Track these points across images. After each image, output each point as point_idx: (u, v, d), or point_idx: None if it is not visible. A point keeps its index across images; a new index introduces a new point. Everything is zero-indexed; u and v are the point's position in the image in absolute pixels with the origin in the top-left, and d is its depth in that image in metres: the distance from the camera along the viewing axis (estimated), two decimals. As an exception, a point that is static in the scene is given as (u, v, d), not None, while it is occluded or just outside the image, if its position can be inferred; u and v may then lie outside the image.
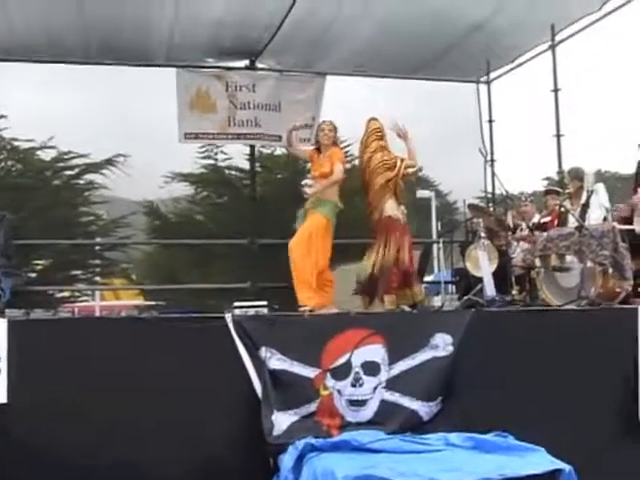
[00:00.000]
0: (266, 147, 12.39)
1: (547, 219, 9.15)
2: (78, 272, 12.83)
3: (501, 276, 8.03)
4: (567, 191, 8.79)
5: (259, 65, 10.86)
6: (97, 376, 5.68)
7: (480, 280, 8.05)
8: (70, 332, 5.86)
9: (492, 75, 11.49)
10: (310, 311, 6.97)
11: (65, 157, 12.44)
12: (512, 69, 11.39)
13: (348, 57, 10.59)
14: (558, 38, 10.23)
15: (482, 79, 11.60)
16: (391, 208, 7.84)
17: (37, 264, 12.23)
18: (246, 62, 10.75)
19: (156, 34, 9.72)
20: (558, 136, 10.21)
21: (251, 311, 6.95)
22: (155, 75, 10.82)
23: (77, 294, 13.47)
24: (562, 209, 8.59)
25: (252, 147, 11.24)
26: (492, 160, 11.13)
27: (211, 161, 12.87)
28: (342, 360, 6.05)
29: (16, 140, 11.96)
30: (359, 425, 5.95)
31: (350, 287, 8.12)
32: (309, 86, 10.93)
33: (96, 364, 5.69)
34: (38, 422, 5.49)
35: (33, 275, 11.65)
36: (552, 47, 10.28)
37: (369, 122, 8.24)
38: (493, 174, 10.34)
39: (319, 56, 10.61)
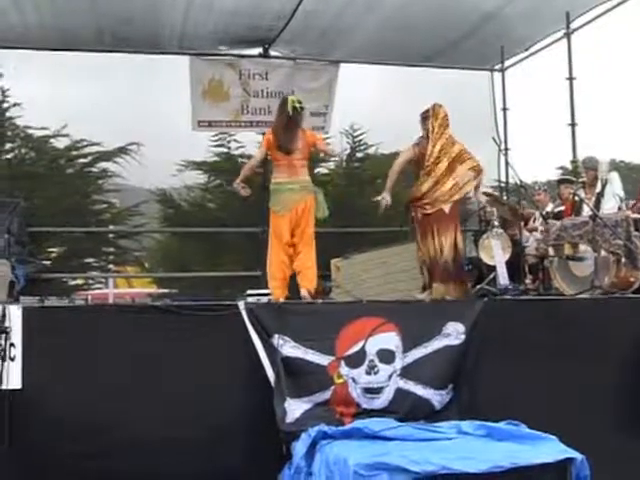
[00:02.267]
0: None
1: (561, 208, 9.14)
2: (91, 260, 12.90)
3: (514, 265, 8.03)
4: (581, 180, 8.77)
5: (272, 53, 10.85)
6: (111, 363, 5.70)
7: (493, 269, 8.04)
8: (84, 319, 5.88)
9: (506, 63, 11.46)
10: (323, 299, 6.98)
11: (78, 145, 12.49)
12: (527, 57, 11.35)
13: (361, 45, 10.57)
14: (573, 26, 10.19)
15: (496, 67, 11.57)
16: (448, 205, 7.78)
17: (51, 252, 12.30)
18: (259, 50, 10.76)
19: (169, 22, 9.74)
20: (573, 125, 10.18)
21: (264, 299, 6.99)
22: (168, 63, 10.85)
23: (91, 282, 13.55)
24: (576, 198, 8.57)
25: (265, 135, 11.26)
26: (506, 149, 11.11)
27: (224, 149, 12.91)
28: (356, 348, 6.05)
29: (30, 128, 12.01)
30: (372, 413, 5.95)
31: (361, 276, 8.14)
32: (322, 74, 10.93)
33: (110, 351, 5.72)
34: (52, 408, 5.52)
35: (47, 263, 11.71)
36: (567, 35, 10.25)
37: (438, 107, 7.96)
38: (507, 163, 10.31)
39: (332, 44, 10.60)
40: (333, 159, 7.62)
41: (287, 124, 7.48)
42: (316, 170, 13.67)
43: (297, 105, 7.47)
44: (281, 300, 7.03)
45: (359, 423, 5.62)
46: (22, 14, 9.34)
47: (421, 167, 7.83)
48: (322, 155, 7.58)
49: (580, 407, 6.27)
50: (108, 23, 9.69)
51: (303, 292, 7.25)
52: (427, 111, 7.97)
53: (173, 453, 5.63)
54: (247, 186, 7.58)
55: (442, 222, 7.71)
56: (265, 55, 10.79)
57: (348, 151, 13.39)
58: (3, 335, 5.51)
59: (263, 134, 10.86)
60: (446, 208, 7.74)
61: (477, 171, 7.93)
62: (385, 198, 7.78)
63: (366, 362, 6.08)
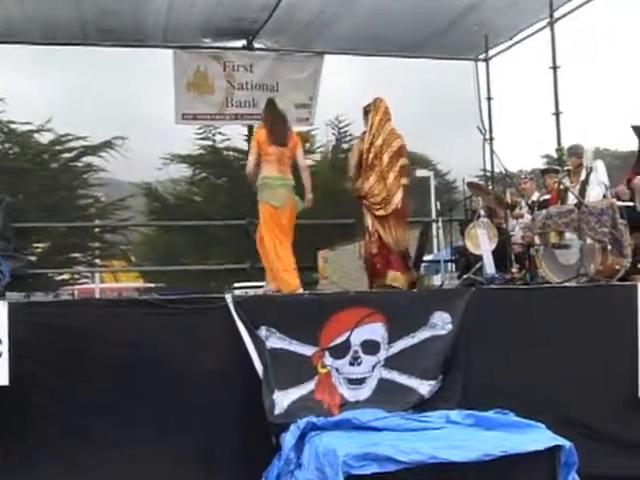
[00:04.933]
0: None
1: (547, 196, 9.15)
2: (77, 255, 12.90)
3: (501, 254, 8.04)
4: (566, 168, 8.78)
5: (256, 45, 10.81)
6: (97, 358, 5.68)
7: (480, 258, 8.06)
8: (71, 314, 5.85)
9: (490, 52, 11.45)
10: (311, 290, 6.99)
11: (63, 140, 12.48)
12: (511, 46, 11.35)
13: (345, 37, 10.54)
14: (557, 15, 10.18)
15: (480, 57, 11.56)
16: (401, 198, 7.82)
17: (36, 247, 12.27)
18: (243, 42, 10.71)
19: (152, 14, 9.67)
20: (557, 114, 10.19)
21: (251, 291, 6.98)
22: (153, 56, 10.81)
23: (77, 277, 13.53)
24: (561, 186, 8.58)
25: (250, 128, 11.22)
26: (491, 138, 11.11)
27: (209, 142, 12.89)
28: (341, 339, 6.05)
29: (13, 123, 11.98)
30: (358, 403, 5.96)
31: (347, 267, 8.15)
32: (307, 66, 10.90)
33: (97, 346, 5.69)
34: (39, 404, 5.49)
35: (33, 258, 11.68)
36: (551, 24, 10.24)
37: (379, 101, 8.05)
38: (492, 152, 10.32)
39: (316, 36, 10.56)
40: (304, 172, 7.70)
41: (281, 119, 7.76)
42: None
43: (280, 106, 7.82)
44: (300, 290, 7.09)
45: (348, 414, 5.62)
46: (3, 7, 9.26)
47: (364, 159, 7.91)
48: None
49: (568, 395, 6.28)
50: (91, 16, 9.61)
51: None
52: (369, 105, 8.04)
53: (161, 448, 5.61)
54: None
55: (394, 216, 7.82)
56: (249, 47, 10.75)
57: (334, 142, 13.40)
58: (-11, 331, 5.47)
59: (248, 126, 10.90)
60: (398, 204, 7.81)
61: (406, 170, 7.96)
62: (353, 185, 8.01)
63: (350, 353, 6.08)
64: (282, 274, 7.44)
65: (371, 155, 7.83)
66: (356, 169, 8.02)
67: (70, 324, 5.71)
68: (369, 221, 7.89)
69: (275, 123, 7.71)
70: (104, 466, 5.51)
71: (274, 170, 7.54)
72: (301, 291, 7.06)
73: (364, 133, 8.05)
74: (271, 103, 7.91)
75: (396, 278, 7.73)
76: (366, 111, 8.06)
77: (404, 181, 7.90)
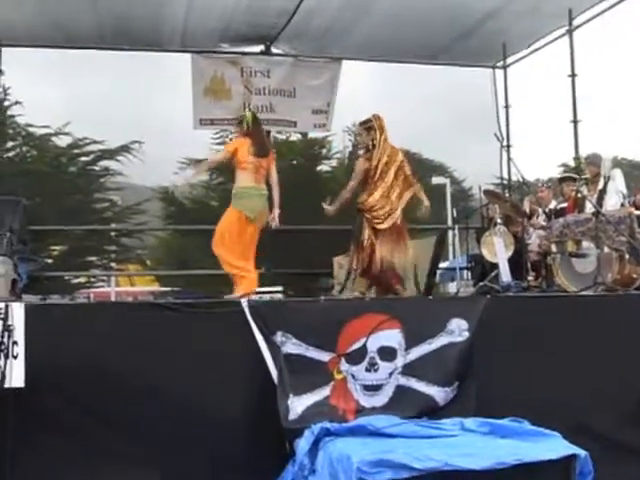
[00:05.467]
0: (281, 133, 12.40)
1: (564, 205, 9.13)
2: (93, 258, 12.91)
3: (517, 262, 8.02)
4: (584, 177, 8.76)
5: (274, 50, 10.85)
6: (113, 361, 5.70)
7: (496, 266, 8.04)
8: (87, 317, 5.88)
9: (508, 60, 11.46)
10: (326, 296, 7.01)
11: (80, 143, 12.50)
12: (529, 54, 11.34)
13: (363, 43, 10.56)
14: (575, 23, 10.18)
15: (498, 64, 11.56)
16: (400, 214, 7.90)
17: (53, 250, 12.31)
18: (261, 47, 10.75)
19: (170, 19, 9.74)
20: (575, 122, 10.18)
21: (266, 296, 6.99)
22: (170, 61, 10.85)
23: (92, 280, 13.56)
24: (579, 195, 8.56)
25: (267, 133, 11.25)
26: (508, 146, 11.10)
27: (226, 147, 12.90)
28: (357, 345, 6.04)
29: (31, 126, 12.01)
30: (374, 410, 5.95)
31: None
32: (324, 72, 10.93)
33: (112, 349, 5.71)
34: (55, 406, 5.52)
35: (49, 261, 11.72)
36: (569, 32, 10.24)
37: (380, 119, 8.08)
38: (509, 160, 10.30)
39: (334, 42, 10.59)
40: (275, 187, 7.77)
41: (263, 131, 8.12)
42: (318, 167, 13.70)
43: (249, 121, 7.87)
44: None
45: (362, 420, 5.62)
46: (22, 11, 9.34)
47: (370, 176, 7.93)
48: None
49: (583, 404, 6.25)
50: (109, 20, 9.68)
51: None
52: (369, 121, 8.08)
53: (175, 451, 5.62)
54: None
55: (390, 232, 7.84)
56: (267, 52, 10.79)
57: (350, 149, 13.39)
58: (6, 333, 5.51)
59: (267, 133, 10.92)
60: (398, 220, 7.86)
61: (409, 183, 8.00)
62: (330, 210, 8.04)
63: (366, 359, 6.08)
64: (246, 274, 7.54)
65: (379, 171, 7.89)
66: (358, 186, 8.08)
67: (86, 327, 5.74)
68: (366, 235, 7.89)
69: (259, 135, 7.88)
70: (114, 470, 5.54)
71: (251, 180, 7.62)
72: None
73: (367, 152, 8.07)
74: (255, 116, 8.08)
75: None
76: (367, 128, 8.07)
77: (407, 195, 7.97)
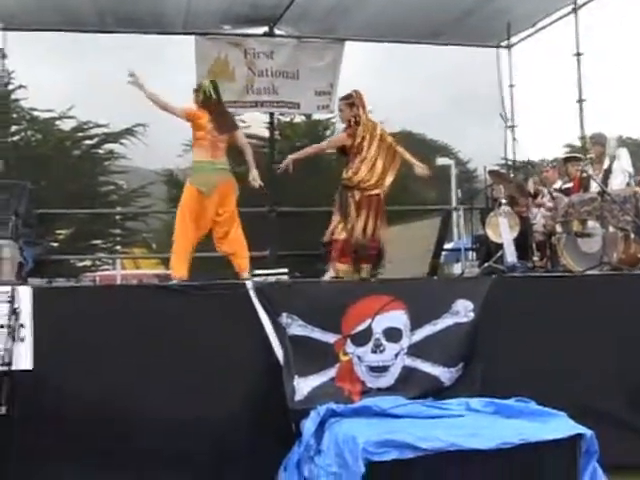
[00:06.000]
0: (284, 115, 12.38)
1: (569, 185, 9.11)
2: (99, 241, 12.97)
3: (522, 243, 8.02)
4: (589, 156, 8.74)
5: (277, 32, 10.81)
6: (119, 343, 5.72)
7: (500, 247, 8.03)
8: (93, 300, 5.90)
9: (513, 39, 11.38)
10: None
11: (84, 127, 12.52)
12: (533, 33, 11.27)
13: (366, 23, 10.51)
14: (580, 1, 10.11)
15: (503, 44, 11.50)
16: (386, 187, 7.78)
17: (58, 233, 12.35)
18: (264, 29, 10.71)
19: (173, 1, 9.69)
20: (580, 101, 10.14)
21: (271, 279, 6.99)
22: (174, 43, 10.82)
23: (98, 263, 13.61)
24: (584, 175, 8.54)
25: (271, 115, 11.23)
26: (512, 126, 11.06)
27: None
28: (363, 326, 6.06)
29: (35, 110, 12.03)
30: (380, 391, 5.97)
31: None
32: (327, 53, 10.88)
33: (118, 331, 5.73)
34: (61, 388, 5.54)
35: (55, 244, 11.76)
36: (574, 10, 10.18)
37: (361, 94, 7.85)
38: (514, 140, 10.28)
39: (337, 22, 10.54)
40: (246, 150, 7.54)
41: (223, 107, 7.60)
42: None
43: (211, 90, 7.46)
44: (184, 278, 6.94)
45: (368, 401, 5.64)
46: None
47: (353, 152, 7.75)
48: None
49: (589, 383, 6.27)
50: (110, 3, 9.63)
51: (243, 275, 7.15)
52: (350, 97, 7.84)
53: (181, 433, 5.65)
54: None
55: (376, 205, 7.68)
56: (270, 34, 10.75)
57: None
58: (13, 316, 5.54)
59: (269, 114, 10.91)
60: (382, 193, 7.71)
61: (393, 152, 7.79)
62: (288, 165, 7.77)
63: (372, 341, 6.09)
64: (172, 257, 7.31)
65: (363, 148, 7.69)
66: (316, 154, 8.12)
67: (92, 310, 5.76)
68: (352, 207, 7.76)
69: (218, 110, 7.46)
70: (118, 451, 5.56)
71: (207, 155, 7.29)
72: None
73: (348, 127, 7.81)
74: (217, 88, 7.56)
75: (343, 270, 7.60)
76: (349, 104, 7.87)
77: (397, 164, 7.78)
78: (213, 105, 7.45)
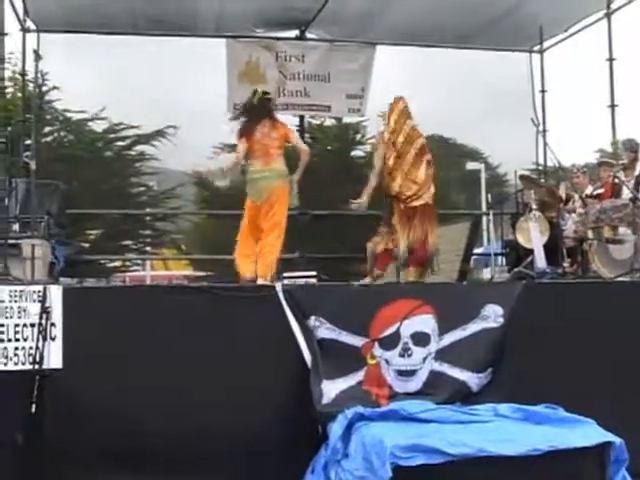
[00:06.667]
0: (315, 118, 12.38)
1: (600, 191, 9.02)
2: (129, 242, 13.05)
3: (552, 248, 7.95)
4: (621, 162, 8.66)
5: (308, 35, 10.81)
6: (148, 343, 5.76)
7: (530, 252, 7.98)
8: (123, 300, 5.94)
9: (545, 44, 11.29)
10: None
11: (116, 128, 12.62)
12: (566, 38, 11.18)
13: (397, 27, 10.48)
14: (613, 6, 10.02)
15: (535, 48, 11.42)
16: (432, 194, 7.77)
17: (89, 234, 12.44)
18: (296, 32, 10.72)
19: (204, 4, 9.73)
20: (612, 107, 10.04)
21: (300, 281, 7.00)
22: (205, 46, 10.86)
23: (128, 264, 13.69)
24: (616, 180, 8.46)
25: (301, 118, 11.24)
26: (544, 131, 10.97)
27: (260, 132, 12.92)
28: (391, 330, 6.05)
29: (68, 111, 12.13)
30: (408, 395, 5.96)
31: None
32: (358, 56, 10.87)
33: (147, 332, 5.77)
34: (91, 387, 5.58)
35: (86, 245, 11.84)
36: (607, 15, 10.08)
37: (396, 101, 7.95)
38: (545, 144, 10.20)
39: (368, 26, 10.52)
40: (304, 157, 7.64)
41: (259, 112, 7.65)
42: (353, 152, 13.67)
43: (262, 96, 7.69)
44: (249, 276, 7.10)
45: (396, 405, 5.63)
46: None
47: (387, 159, 7.79)
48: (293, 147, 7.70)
49: (619, 391, 6.21)
50: (143, 5, 9.68)
51: (260, 281, 7.13)
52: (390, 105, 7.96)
53: (207, 434, 5.66)
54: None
55: (421, 213, 7.70)
56: (301, 37, 10.75)
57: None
58: (44, 315, 5.59)
59: (300, 116, 10.91)
60: (429, 200, 7.71)
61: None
62: (361, 204, 7.85)
63: (400, 345, 6.09)
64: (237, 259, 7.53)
65: (394, 154, 7.73)
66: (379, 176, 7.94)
67: (122, 310, 5.80)
68: (396, 217, 7.79)
69: (256, 116, 7.62)
70: (145, 454, 5.59)
71: (258, 164, 7.48)
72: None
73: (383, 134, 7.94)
74: (262, 97, 7.75)
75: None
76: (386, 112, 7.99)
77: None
78: (255, 111, 7.62)
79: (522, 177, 9.17)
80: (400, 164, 7.71)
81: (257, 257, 7.32)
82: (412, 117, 7.90)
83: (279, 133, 7.56)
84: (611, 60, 10.01)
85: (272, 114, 7.68)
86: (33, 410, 5.39)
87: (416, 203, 7.66)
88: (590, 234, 7.76)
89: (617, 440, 5.06)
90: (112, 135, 12.67)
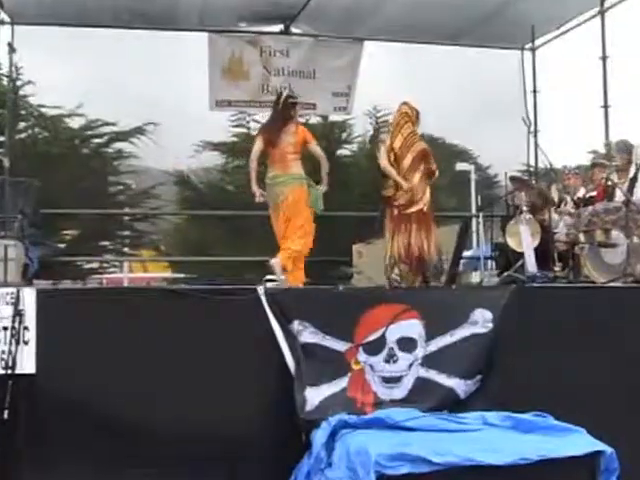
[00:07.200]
0: (301, 116, 12.35)
1: (593, 193, 9.07)
2: (106, 243, 12.98)
3: (543, 252, 7.98)
4: (614, 164, 8.70)
5: (294, 30, 10.80)
6: (124, 348, 5.74)
7: (521, 256, 8.00)
8: (99, 303, 5.92)
9: (537, 42, 11.34)
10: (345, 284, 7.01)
11: (94, 125, 12.54)
12: (558, 36, 11.23)
13: (386, 23, 10.48)
14: (607, 4, 10.07)
15: (527, 46, 11.46)
16: (428, 201, 7.77)
17: (65, 234, 12.36)
18: (280, 27, 10.71)
19: (188, -3, 9.71)
20: (606, 107, 10.08)
21: (282, 284, 6.99)
22: (187, 41, 10.82)
23: (105, 265, 13.62)
24: (609, 183, 8.51)
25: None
26: (535, 131, 11.01)
27: (243, 130, 12.90)
28: (376, 335, 6.07)
29: (44, 107, 12.06)
30: (393, 402, 5.97)
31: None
32: (345, 53, 10.87)
33: (124, 335, 5.75)
34: (65, 393, 5.56)
35: (61, 245, 11.77)
36: (601, 13, 10.12)
37: (400, 105, 7.94)
38: (536, 145, 10.24)
39: (356, 21, 10.52)
40: (324, 163, 7.82)
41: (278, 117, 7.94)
42: (338, 152, 13.67)
43: (289, 100, 7.94)
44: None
45: (381, 413, 5.64)
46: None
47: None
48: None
49: (610, 398, 6.24)
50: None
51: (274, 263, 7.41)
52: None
53: (189, 442, 5.65)
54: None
55: (422, 220, 7.67)
56: (286, 32, 10.74)
57: (371, 132, 13.36)
58: (17, 318, 5.56)
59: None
60: (424, 207, 7.67)
61: (431, 173, 7.82)
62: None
63: (385, 350, 6.10)
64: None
65: (391, 157, 7.72)
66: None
67: (98, 313, 5.78)
68: (387, 223, 7.81)
69: (275, 121, 7.95)
70: (123, 458, 5.57)
71: (275, 169, 7.78)
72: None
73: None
74: (284, 100, 7.99)
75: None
76: None
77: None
78: (278, 116, 7.93)
79: (513, 178, 9.19)
80: (396, 169, 7.74)
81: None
82: (415, 123, 7.88)
83: (297, 138, 7.80)
84: (604, 59, 10.05)
85: (295, 119, 7.94)
86: (6, 416, 5.37)
87: (410, 210, 7.67)
88: (582, 237, 7.80)
89: (608, 449, 5.09)
90: (89, 132, 12.60)
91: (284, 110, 7.88)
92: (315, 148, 8.07)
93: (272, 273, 7.39)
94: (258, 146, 7.85)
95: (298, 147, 7.81)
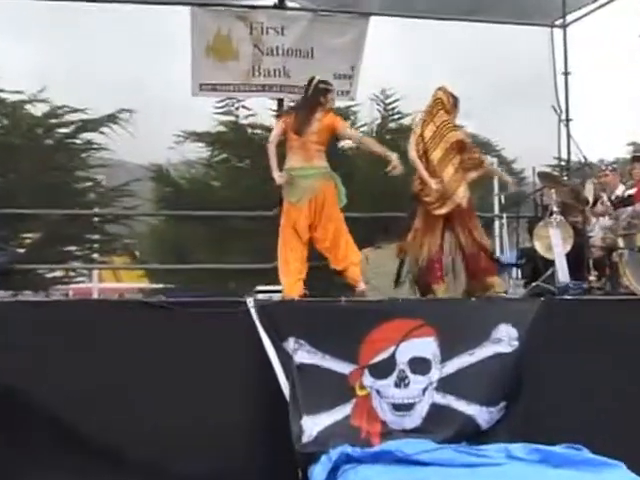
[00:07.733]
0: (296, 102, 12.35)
1: (632, 191, 9.08)
2: (73, 248, 12.95)
3: (576, 258, 7.98)
4: (657, 158, 8.71)
5: (289, 4, 10.80)
6: (93, 369, 5.74)
7: (551, 263, 8.01)
8: (65, 317, 5.91)
9: (569, 18, 11.35)
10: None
11: (59, 112, 12.52)
12: (593, 11, 11.24)
13: (394, -5, 10.51)
14: (650, -27, 10.10)
15: (557, 22, 11.47)
16: (465, 195, 7.85)
17: (26, 238, 12.35)
18: (274, 0, 10.71)
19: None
20: (647, 92, 10.09)
21: (276, 296, 6.98)
22: (166, 15, 10.82)
23: (72, 274, 13.61)
24: (651, 180, 8.53)
25: (280, 101, 11.20)
26: (567, 120, 11.02)
27: (231, 118, 12.90)
28: (384, 355, 6.07)
29: (2, 92, 12.05)
30: (405, 433, 5.98)
31: (393, 269, 8.14)
32: (348, 29, 10.85)
33: (93, 353, 5.76)
34: (28, 408, 5.59)
35: (21, 251, 11.77)
36: (642, -17, 10.15)
37: (435, 90, 8.17)
38: (568, 136, 10.25)
39: (361, -7, 10.54)
40: (369, 142, 7.88)
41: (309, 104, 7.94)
42: (341, 144, 13.66)
43: (320, 86, 7.99)
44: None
45: (390, 445, 5.63)
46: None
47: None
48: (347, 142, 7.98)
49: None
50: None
51: (360, 287, 7.49)
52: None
53: (166, 475, 5.64)
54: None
55: (459, 218, 7.85)
56: (281, 6, 10.74)
57: (379, 121, 13.33)
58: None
59: (278, 100, 10.92)
60: (462, 202, 7.81)
61: (477, 163, 7.99)
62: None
63: (395, 372, 6.11)
64: (282, 278, 7.56)
65: (420, 148, 7.90)
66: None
67: (63, 328, 5.77)
68: (416, 222, 7.90)
69: (305, 107, 7.95)
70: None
71: (298, 159, 7.73)
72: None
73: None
74: (316, 85, 8.04)
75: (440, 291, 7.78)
76: None
77: (472, 175, 7.95)
78: (302, 103, 8.05)
79: (541, 174, 9.21)
80: (425, 159, 7.80)
81: (346, 268, 7.62)
82: (451, 111, 8.04)
83: (322, 125, 7.77)
84: (646, 37, 10.07)
85: (325, 107, 7.91)
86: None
87: (443, 211, 7.73)
88: (621, 242, 7.80)
89: (650, 487, 5.08)
90: (54, 120, 12.59)
91: (313, 96, 7.94)
92: (348, 133, 8.24)
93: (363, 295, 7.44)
94: (278, 130, 7.91)
95: (323, 137, 7.79)
